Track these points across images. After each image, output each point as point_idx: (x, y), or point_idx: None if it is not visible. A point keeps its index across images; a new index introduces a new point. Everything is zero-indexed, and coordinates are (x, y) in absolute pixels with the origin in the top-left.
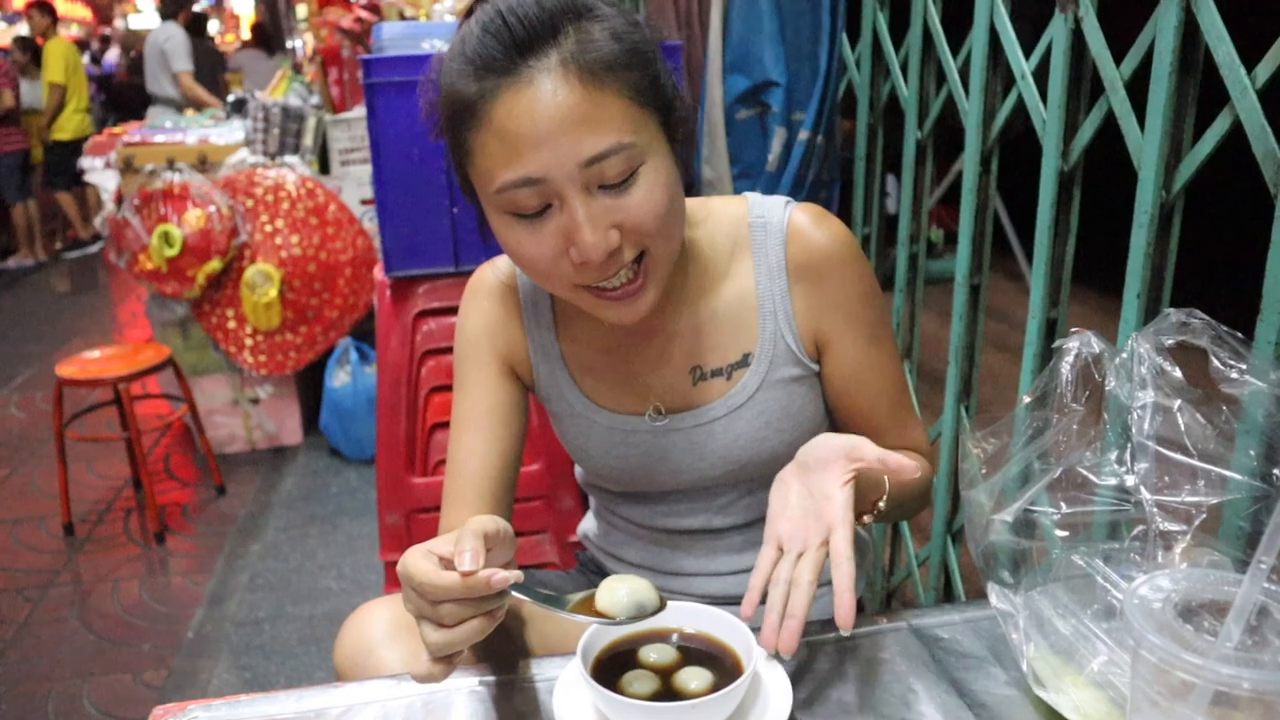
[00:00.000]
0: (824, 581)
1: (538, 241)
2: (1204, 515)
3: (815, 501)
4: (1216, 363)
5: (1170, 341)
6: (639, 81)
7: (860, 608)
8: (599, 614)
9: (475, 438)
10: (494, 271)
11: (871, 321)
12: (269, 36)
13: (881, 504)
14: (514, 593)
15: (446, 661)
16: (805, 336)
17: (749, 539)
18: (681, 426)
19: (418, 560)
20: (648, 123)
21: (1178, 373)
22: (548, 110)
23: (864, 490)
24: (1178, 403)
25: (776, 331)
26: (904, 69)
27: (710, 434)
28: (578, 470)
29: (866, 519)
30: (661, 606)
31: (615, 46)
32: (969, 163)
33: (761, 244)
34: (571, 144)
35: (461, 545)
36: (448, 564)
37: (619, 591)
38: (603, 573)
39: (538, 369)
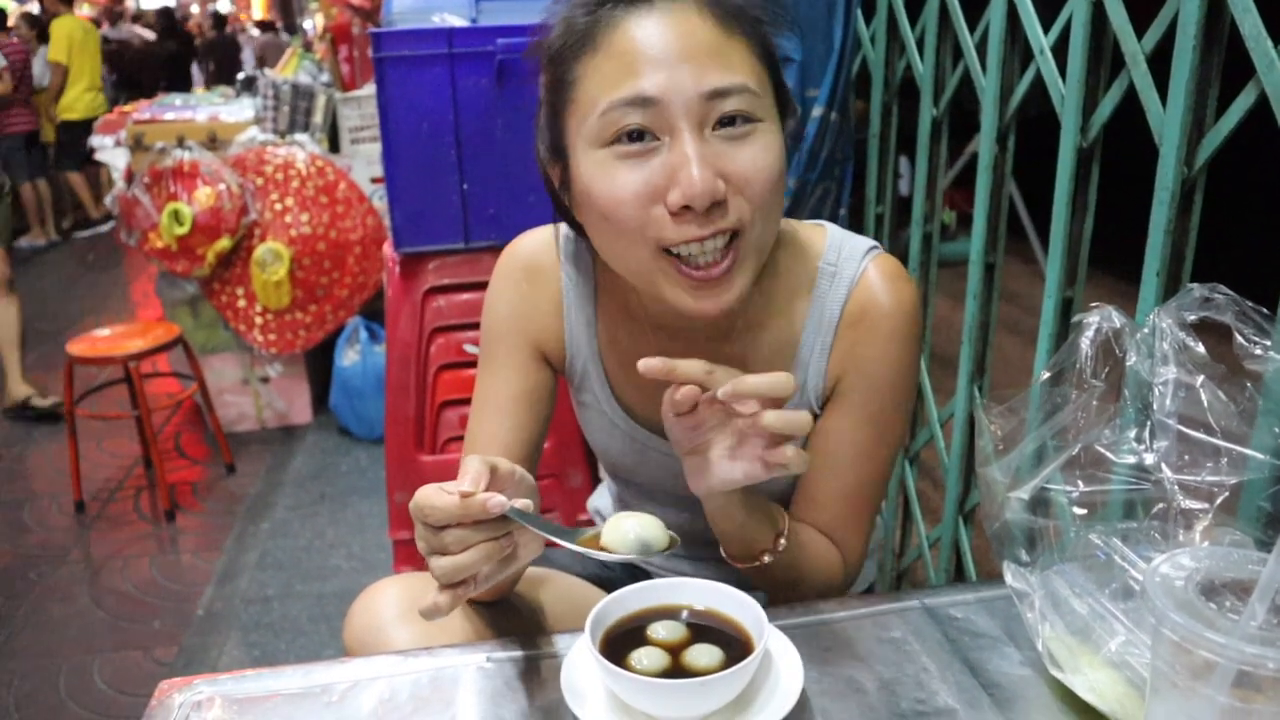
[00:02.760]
0: None
1: (636, 180)
2: (1226, 494)
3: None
4: (1240, 339)
5: (1193, 317)
6: (767, 42)
7: (870, 589)
8: (605, 550)
9: (498, 423)
10: (535, 248)
11: (882, 404)
12: (270, 22)
13: (783, 540)
14: (514, 518)
15: (453, 591)
16: (826, 389)
17: None
18: None
19: (426, 490)
20: (769, 88)
21: (1200, 348)
22: (676, 34)
23: (760, 525)
24: (1200, 379)
25: (803, 386)
26: (920, 45)
27: None
28: None
29: (767, 558)
30: (670, 544)
31: (748, 1)
32: (985, 140)
33: (823, 294)
34: (696, 71)
35: (465, 469)
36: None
37: (625, 527)
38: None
39: (572, 360)
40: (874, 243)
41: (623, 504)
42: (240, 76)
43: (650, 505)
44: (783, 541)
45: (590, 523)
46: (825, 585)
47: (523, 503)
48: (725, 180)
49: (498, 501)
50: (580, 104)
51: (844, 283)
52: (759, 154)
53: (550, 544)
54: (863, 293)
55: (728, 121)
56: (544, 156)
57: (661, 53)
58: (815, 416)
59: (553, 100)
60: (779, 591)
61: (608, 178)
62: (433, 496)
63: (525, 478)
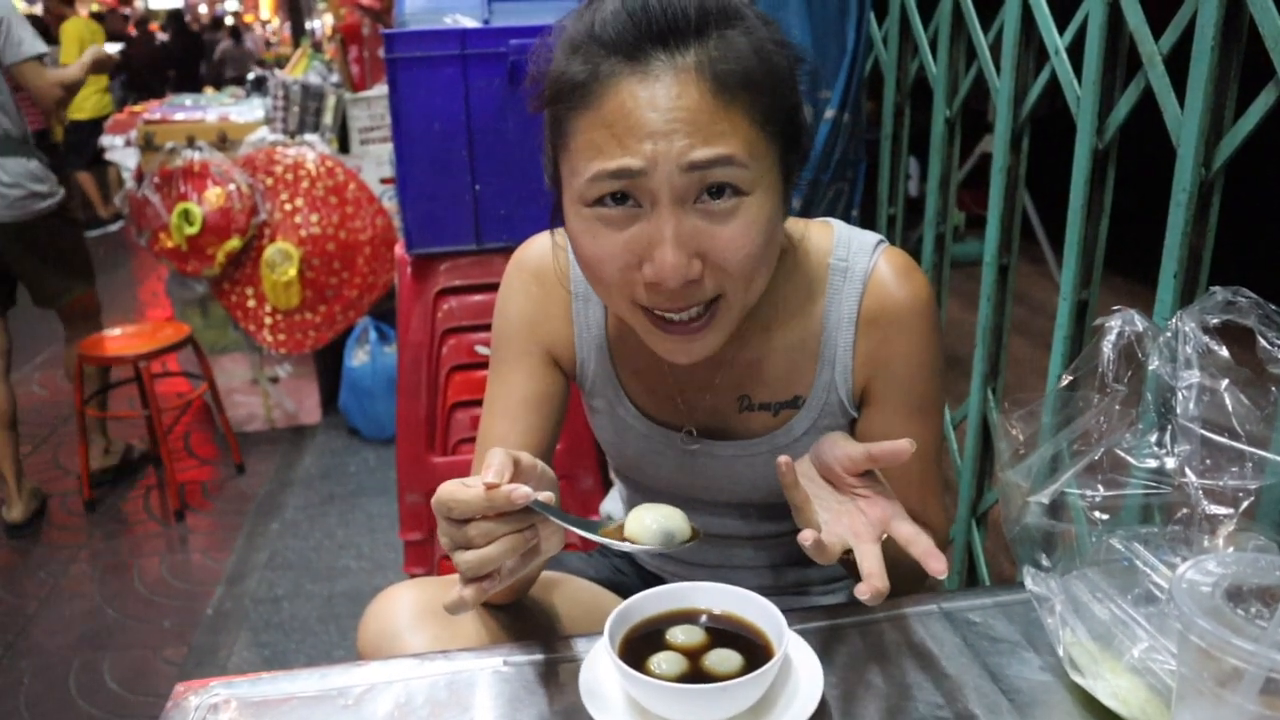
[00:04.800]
0: (840, 577)
1: (613, 245)
2: (1250, 499)
3: (851, 506)
4: (1263, 342)
5: (1215, 320)
6: (770, 107)
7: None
8: (628, 542)
9: (509, 427)
10: (544, 251)
11: (921, 394)
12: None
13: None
14: (538, 510)
15: (477, 585)
16: (857, 389)
17: (775, 544)
18: (721, 454)
19: (449, 485)
20: (766, 153)
21: (1224, 352)
22: (665, 106)
23: None
24: (1224, 383)
25: (831, 383)
26: (933, 46)
27: (750, 466)
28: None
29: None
30: (694, 537)
31: (755, 63)
32: (999, 142)
33: (838, 290)
34: (681, 144)
35: (489, 461)
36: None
37: (646, 518)
38: (624, 555)
39: (583, 362)
40: (880, 237)
41: (633, 500)
42: (250, 77)
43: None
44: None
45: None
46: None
47: (545, 495)
48: (703, 258)
49: (523, 493)
50: (572, 157)
51: (857, 278)
52: (740, 231)
53: (571, 542)
54: (877, 288)
55: (711, 193)
56: (548, 177)
57: (650, 124)
58: (848, 415)
59: (552, 137)
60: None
61: (590, 235)
62: (456, 491)
63: (546, 472)
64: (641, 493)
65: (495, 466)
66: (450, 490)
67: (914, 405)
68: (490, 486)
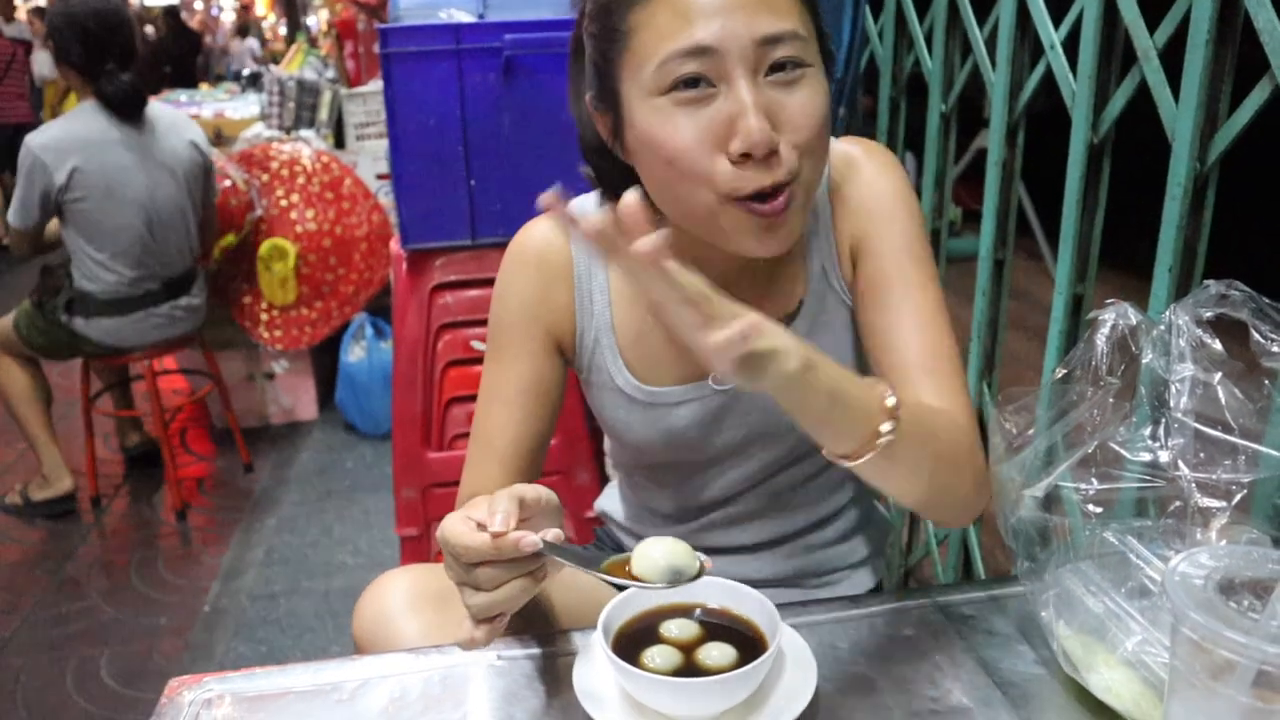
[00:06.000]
0: (842, 566)
1: (694, 129)
2: (1243, 492)
3: None
4: (1257, 335)
5: (1209, 314)
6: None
7: (879, 588)
8: (634, 578)
9: (507, 414)
10: (546, 231)
11: (906, 230)
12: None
13: (889, 397)
14: (547, 553)
15: (489, 624)
16: (844, 265)
17: (769, 513)
18: (737, 390)
19: (454, 524)
20: (814, 38)
21: (1217, 345)
22: None
23: (853, 417)
24: (1217, 376)
25: (823, 271)
26: (928, 41)
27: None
28: (608, 444)
29: (885, 426)
30: (701, 571)
31: None
32: (995, 136)
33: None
34: (748, 18)
35: (494, 506)
36: (484, 529)
37: (654, 554)
38: (621, 550)
39: (583, 339)
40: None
41: (630, 500)
42: (245, 73)
43: (666, 488)
44: (890, 398)
45: (598, 521)
46: (958, 452)
47: (554, 534)
48: (776, 129)
49: (530, 541)
50: (636, 54)
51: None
52: (808, 99)
53: (568, 534)
54: (837, 158)
55: (779, 67)
56: (590, 106)
57: (714, 2)
58: (844, 302)
59: (604, 50)
60: (916, 479)
61: (668, 125)
62: (463, 535)
63: (551, 500)
64: (640, 472)
65: (501, 513)
66: (456, 533)
67: (899, 243)
68: (497, 535)
